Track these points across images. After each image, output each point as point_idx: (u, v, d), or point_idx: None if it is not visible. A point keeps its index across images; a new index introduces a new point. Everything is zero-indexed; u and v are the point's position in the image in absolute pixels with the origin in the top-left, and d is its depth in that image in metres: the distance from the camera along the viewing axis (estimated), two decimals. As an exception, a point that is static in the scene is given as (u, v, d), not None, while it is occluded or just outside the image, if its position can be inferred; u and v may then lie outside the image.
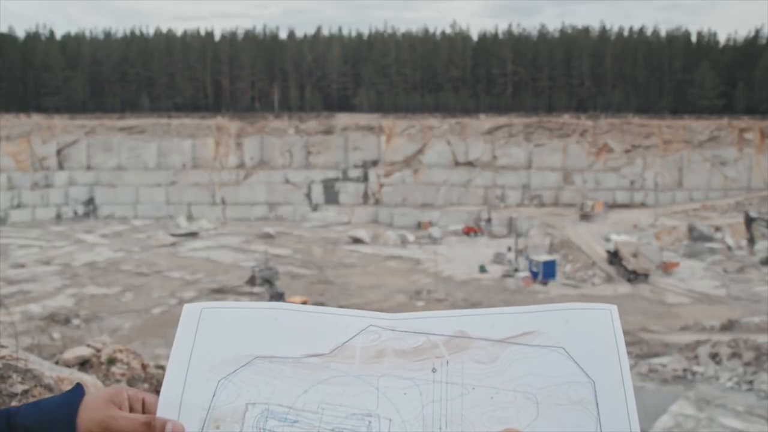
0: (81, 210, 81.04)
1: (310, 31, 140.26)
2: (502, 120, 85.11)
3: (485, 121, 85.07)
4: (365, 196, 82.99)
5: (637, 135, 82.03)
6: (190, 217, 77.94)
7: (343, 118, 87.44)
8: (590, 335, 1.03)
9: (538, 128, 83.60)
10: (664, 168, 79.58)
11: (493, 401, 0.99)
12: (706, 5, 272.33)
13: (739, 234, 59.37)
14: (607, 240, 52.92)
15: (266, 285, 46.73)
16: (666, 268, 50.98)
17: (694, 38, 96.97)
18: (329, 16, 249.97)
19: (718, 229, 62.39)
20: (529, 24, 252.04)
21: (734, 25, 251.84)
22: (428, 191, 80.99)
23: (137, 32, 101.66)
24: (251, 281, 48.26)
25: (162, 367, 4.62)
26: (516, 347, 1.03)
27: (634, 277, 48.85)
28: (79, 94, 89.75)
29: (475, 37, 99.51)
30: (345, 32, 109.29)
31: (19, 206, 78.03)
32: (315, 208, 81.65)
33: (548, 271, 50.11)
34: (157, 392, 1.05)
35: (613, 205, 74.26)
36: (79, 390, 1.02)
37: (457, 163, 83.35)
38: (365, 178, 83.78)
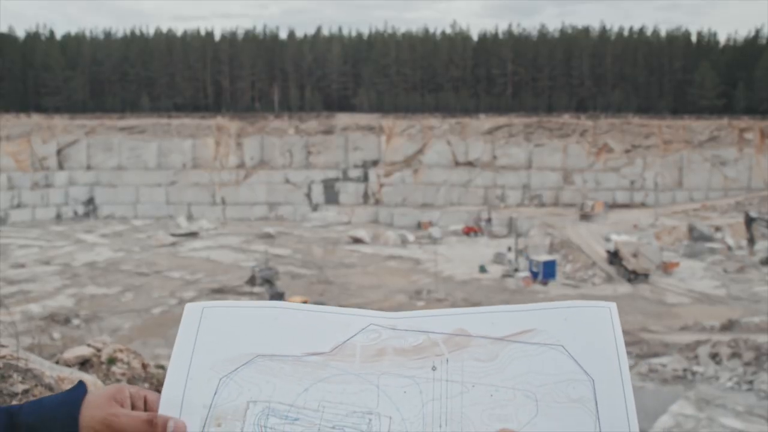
0: (81, 210, 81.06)
1: (310, 31, 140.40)
2: (502, 120, 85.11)
3: (485, 121, 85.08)
4: (365, 196, 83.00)
5: (637, 135, 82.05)
6: (190, 217, 77.95)
7: (343, 118, 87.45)
8: (589, 333, 1.03)
9: (538, 128, 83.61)
10: (664, 168, 79.59)
11: (492, 399, 0.99)
12: (706, 5, 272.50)
13: (739, 234, 59.37)
14: (607, 240, 52.92)
15: (266, 285, 46.76)
16: (666, 268, 50.98)
17: (694, 38, 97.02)
18: (329, 16, 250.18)
19: (718, 229, 62.41)
20: (529, 24, 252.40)
21: (734, 25, 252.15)
22: (428, 191, 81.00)
23: (137, 32, 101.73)
24: (251, 281, 48.29)
25: (162, 367, 4.62)
26: (515, 345, 1.03)
27: (634, 277, 48.85)
28: (79, 94, 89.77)
29: (475, 37, 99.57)
30: (345, 32, 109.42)
31: (19, 206, 78.04)
32: (315, 208, 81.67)
33: (548, 271, 50.12)
34: (159, 391, 1.05)
35: (613, 205, 74.28)
36: (81, 388, 1.03)
37: (457, 163, 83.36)
38: (365, 178, 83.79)
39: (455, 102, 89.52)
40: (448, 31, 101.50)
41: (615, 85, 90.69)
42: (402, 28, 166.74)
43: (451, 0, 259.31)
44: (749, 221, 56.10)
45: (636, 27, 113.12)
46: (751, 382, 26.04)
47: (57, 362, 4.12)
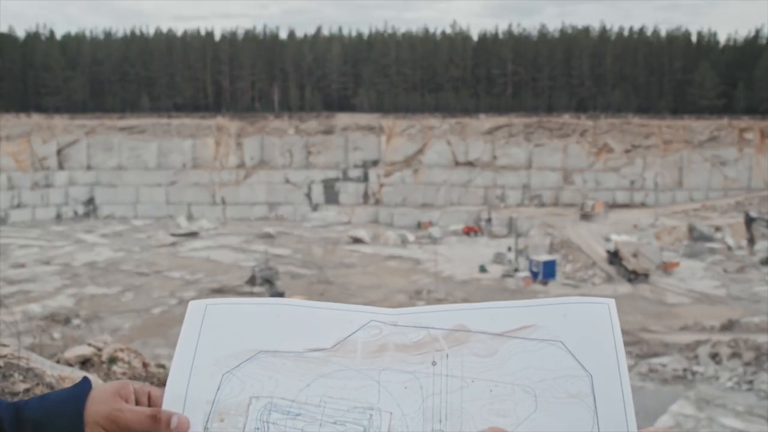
0: (81, 210, 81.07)
1: (310, 31, 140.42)
2: (502, 120, 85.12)
3: (485, 121, 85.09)
4: (365, 196, 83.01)
5: (637, 135, 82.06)
6: (190, 217, 77.97)
7: (343, 118, 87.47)
8: (588, 329, 1.03)
9: (538, 128, 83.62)
10: (664, 168, 79.60)
11: (492, 394, 1.00)
12: (706, 5, 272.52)
13: (739, 234, 59.39)
14: (607, 240, 52.93)
15: (266, 285, 46.80)
16: (666, 268, 50.99)
17: (694, 38, 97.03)
18: (329, 16, 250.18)
19: (718, 229, 62.41)
20: (529, 24, 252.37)
21: (734, 25, 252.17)
22: (428, 191, 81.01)
23: (137, 32, 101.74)
24: (251, 281, 48.32)
25: (163, 366, 4.63)
26: (515, 341, 1.04)
27: (634, 277, 48.86)
28: (79, 94, 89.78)
29: (475, 37, 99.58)
30: (345, 32, 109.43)
31: (19, 206, 78.06)
32: (315, 208, 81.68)
33: (548, 271, 50.14)
34: (162, 387, 1.07)
35: (613, 205, 74.28)
36: (86, 383, 1.04)
37: (457, 163, 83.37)
38: (365, 178, 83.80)
39: (455, 102, 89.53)
40: (448, 31, 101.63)
41: (615, 85, 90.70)
42: (402, 28, 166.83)
43: (451, 0, 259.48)
44: (749, 221, 56.12)
45: (636, 27, 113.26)
46: (751, 382, 26.04)
47: (58, 361, 4.13)
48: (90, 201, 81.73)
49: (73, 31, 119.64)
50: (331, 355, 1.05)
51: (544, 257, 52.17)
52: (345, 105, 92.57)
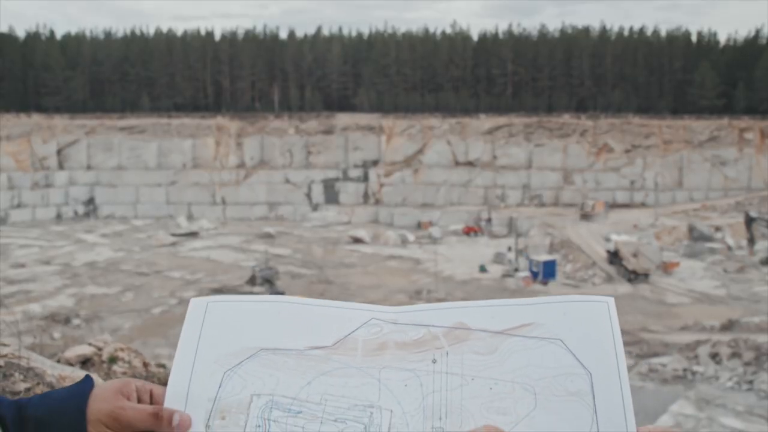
0: (81, 210, 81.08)
1: (310, 31, 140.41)
2: (502, 120, 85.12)
3: (485, 121, 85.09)
4: (365, 196, 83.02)
5: (637, 135, 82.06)
6: (190, 217, 77.97)
7: (343, 118, 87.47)
8: (587, 327, 1.04)
9: (538, 128, 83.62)
10: (664, 168, 79.60)
11: (492, 392, 1.00)
12: (706, 5, 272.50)
13: (739, 234, 59.39)
14: (608, 240, 52.93)
15: (266, 285, 46.83)
16: (666, 268, 50.99)
17: (694, 38, 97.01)
18: (329, 16, 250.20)
19: (718, 229, 62.42)
20: (529, 24, 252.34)
21: (734, 25, 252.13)
22: (428, 191, 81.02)
23: (137, 32, 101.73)
24: (251, 281, 48.34)
25: (163, 366, 4.64)
26: (515, 339, 1.04)
27: (635, 277, 48.86)
28: (79, 94, 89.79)
29: (475, 37, 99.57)
30: (345, 32, 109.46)
31: (19, 206, 78.07)
32: (315, 207, 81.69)
33: (548, 271, 50.14)
34: (164, 385, 1.07)
35: (613, 205, 74.26)
36: (88, 381, 1.04)
37: (457, 163, 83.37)
38: (365, 178, 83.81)
39: (455, 102, 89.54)
40: (448, 31, 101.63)
41: (615, 85, 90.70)
42: (402, 28, 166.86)
43: (451, 0, 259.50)
44: (749, 221, 56.13)
45: (636, 27, 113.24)
46: (751, 382, 26.05)
47: (58, 361, 4.13)
48: (90, 201, 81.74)
49: (73, 31, 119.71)
50: (332, 353, 1.06)
51: (544, 257, 52.17)
52: (345, 105, 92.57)
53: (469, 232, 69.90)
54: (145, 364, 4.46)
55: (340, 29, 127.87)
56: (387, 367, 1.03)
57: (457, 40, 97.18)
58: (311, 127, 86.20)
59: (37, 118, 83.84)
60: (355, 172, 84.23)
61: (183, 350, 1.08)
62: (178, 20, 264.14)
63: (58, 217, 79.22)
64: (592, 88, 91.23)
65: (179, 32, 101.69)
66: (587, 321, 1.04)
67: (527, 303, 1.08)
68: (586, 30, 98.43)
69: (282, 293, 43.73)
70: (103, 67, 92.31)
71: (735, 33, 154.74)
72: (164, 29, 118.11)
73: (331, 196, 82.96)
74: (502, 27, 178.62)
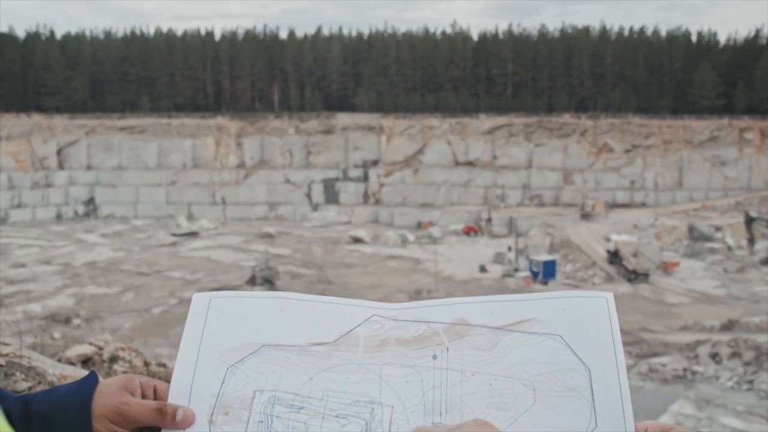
0: (81, 210, 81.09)
1: (310, 31, 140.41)
2: (502, 120, 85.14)
3: (485, 121, 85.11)
4: (365, 196, 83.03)
5: (637, 135, 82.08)
6: (190, 217, 77.99)
7: (343, 118, 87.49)
8: (586, 323, 1.04)
9: (539, 128, 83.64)
10: (664, 168, 79.62)
11: (491, 388, 1.00)
12: (706, 5, 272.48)
13: (739, 234, 59.40)
14: (608, 240, 52.93)
15: (266, 284, 46.82)
16: (666, 267, 51.00)
17: (694, 38, 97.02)
18: (329, 16, 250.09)
19: (718, 229, 62.43)
20: (529, 24, 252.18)
21: (734, 25, 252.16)
22: (428, 191, 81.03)
23: (137, 32, 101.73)
24: (251, 281, 48.36)
25: (164, 365, 4.64)
26: (514, 335, 1.04)
27: (635, 276, 48.87)
28: (79, 94, 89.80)
29: (475, 37, 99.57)
30: (345, 32, 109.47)
31: (19, 206, 78.08)
32: (315, 207, 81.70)
33: (548, 271, 50.15)
34: (168, 382, 1.08)
35: (613, 205, 74.27)
36: (93, 377, 1.05)
37: (457, 163, 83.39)
38: (365, 178, 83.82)
39: (455, 102, 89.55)
40: (448, 31, 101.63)
41: (615, 85, 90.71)
42: (402, 28, 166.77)
43: (451, 0, 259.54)
44: (749, 221, 56.13)
45: (636, 27, 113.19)
46: (751, 382, 26.06)
47: (59, 360, 4.14)
48: (90, 201, 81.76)
49: (73, 31, 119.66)
50: (334, 349, 1.06)
51: (544, 257, 52.18)
52: (345, 105, 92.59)
53: (469, 232, 69.90)
54: (146, 364, 4.47)
55: (340, 29, 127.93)
56: (388, 364, 1.04)
57: (457, 40, 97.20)
58: (311, 127, 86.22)
59: (37, 118, 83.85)
60: (355, 172, 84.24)
61: (186, 346, 1.08)
62: (178, 20, 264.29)
63: (58, 217, 79.23)
64: (592, 88, 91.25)
65: (179, 32, 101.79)
66: (586, 316, 1.04)
67: (526, 299, 1.09)
68: (586, 30, 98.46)
69: (282, 293, 43.78)
70: (103, 67, 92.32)
71: (735, 33, 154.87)
72: (164, 29, 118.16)
73: (331, 196, 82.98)
74: (502, 27, 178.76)
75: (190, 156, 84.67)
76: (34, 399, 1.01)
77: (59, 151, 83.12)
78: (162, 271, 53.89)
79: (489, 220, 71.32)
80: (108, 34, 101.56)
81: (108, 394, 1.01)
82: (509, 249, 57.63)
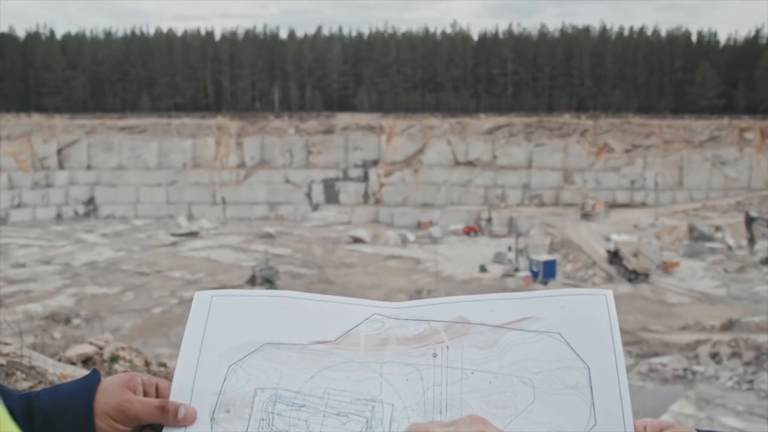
0: (81, 210, 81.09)
1: (311, 31, 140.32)
2: (502, 120, 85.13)
3: (485, 121, 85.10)
4: (365, 196, 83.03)
5: (637, 135, 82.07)
6: (190, 217, 77.99)
7: (343, 118, 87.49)
8: (586, 321, 1.04)
9: (539, 128, 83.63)
10: (664, 168, 79.61)
11: (491, 385, 1.00)
12: (706, 5, 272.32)
13: (740, 234, 59.40)
14: (608, 240, 52.94)
15: (266, 284, 46.81)
16: (666, 267, 51.00)
17: (694, 38, 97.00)
18: (329, 16, 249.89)
19: (718, 228, 62.42)
20: (529, 24, 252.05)
21: (734, 25, 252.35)
22: (428, 191, 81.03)
23: (137, 32, 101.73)
24: (252, 281, 48.36)
25: (164, 365, 4.65)
26: (514, 333, 1.04)
27: (635, 276, 48.87)
28: (79, 94, 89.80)
29: (475, 37, 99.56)
30: (345, 32, 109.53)
31: (19, 206, 78.08)
32: (315, 207, 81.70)
33: (548, 271, 50.14)
34: (169, 380, 1.08)
35: (613, 205, 74.26)
36: (95, 375, 1.05)
37: (457, 163, 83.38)
38: (365, 178, 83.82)
39: (455, 102, 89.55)
40: (449, 30, 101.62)
41: (615, 84, 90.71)
42: (402, 28, 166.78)
43: (451, 0, 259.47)
44: (749, 221, 56.12)
45: (636, 27, 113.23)
46: (751, 382, 26.07)
47: (60, 360, 4.14)
48: (90, 201, 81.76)
49: (73, 31, 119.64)
50: (335, 347, 1.06)
51: (545, 257, 52.19)
52: (345, 105, 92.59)
53: (470, 231, 69.91)
54: (147, 363, 4.47)
55: (340, 29, 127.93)
56: (389, 362, 1.04)
57: (457, 39, 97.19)
58: (311, 127, 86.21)
59: (37, 118, 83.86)
60: (355, 172, 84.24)
61: (188, 344, 1.08)
62: (178, 20, 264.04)
63: (59, 217, 79.23)
64: (592, 88, 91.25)
65: (179, 32, 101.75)
66: (585, 314, 1.04)
67: (526, 297, 1.09)
68: (586, 30, 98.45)
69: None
70: (103, 67, 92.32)
71: (735, 33, 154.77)
72: (164, 29, 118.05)
73: (331, 195, 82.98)
74: (502, 27, 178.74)
75: (191, 156, 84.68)
76: (37, 397, 1.01)
77: (59, 151, 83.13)
78: (162, 271, 53.90)
79: (489, 219, 71.32)
80: (108, 34, 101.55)
81: (110, 392, 1.01)
82: (509, 249, 57.63)
